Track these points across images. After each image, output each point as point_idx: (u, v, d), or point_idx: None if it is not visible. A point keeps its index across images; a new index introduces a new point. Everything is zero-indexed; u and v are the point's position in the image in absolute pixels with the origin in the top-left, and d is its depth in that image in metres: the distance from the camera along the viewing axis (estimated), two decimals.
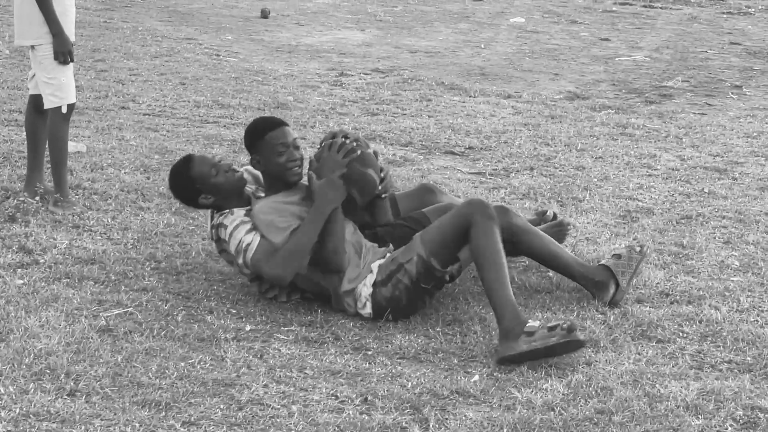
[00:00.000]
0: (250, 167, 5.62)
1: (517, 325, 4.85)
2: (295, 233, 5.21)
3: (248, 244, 5.22)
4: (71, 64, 6.55)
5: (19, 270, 5.62)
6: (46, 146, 6.71)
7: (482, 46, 13.14)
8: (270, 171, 5.41)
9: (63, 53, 6.46)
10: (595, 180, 7.75)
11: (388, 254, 5.36)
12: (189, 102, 9.47)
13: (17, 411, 4.14)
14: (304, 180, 5.45)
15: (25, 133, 6.99)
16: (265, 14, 14.52)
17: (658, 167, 8.18)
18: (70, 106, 6.59)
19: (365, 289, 5.24)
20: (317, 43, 13.32)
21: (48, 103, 6.57)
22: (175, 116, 9.01)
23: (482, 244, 5.08)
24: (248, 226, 5.26)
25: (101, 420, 4.16)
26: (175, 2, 14.92)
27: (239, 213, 5.32)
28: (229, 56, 11.61)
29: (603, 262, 5.57)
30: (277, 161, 5.34)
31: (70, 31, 6.55)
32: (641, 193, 7.49)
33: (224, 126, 8.75)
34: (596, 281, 5.45)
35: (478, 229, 5.10)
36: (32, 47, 6.53)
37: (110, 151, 7.81)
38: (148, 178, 7.26)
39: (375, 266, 5.30)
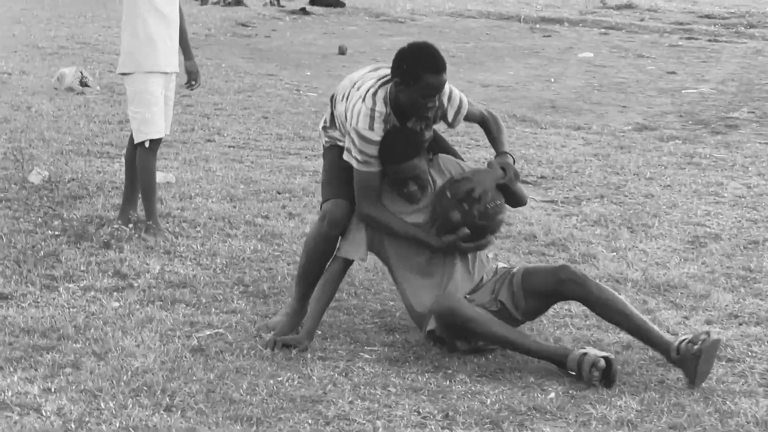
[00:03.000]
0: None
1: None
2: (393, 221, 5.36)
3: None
4: (160, 100, 6.76)
5: (115, 293, 5.82)
6: None
7: (552, 80, 13.20)
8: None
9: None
10: (664, 207, 7.86)
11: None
12: (271, 135, 9.64)
13: (117, 425, 4.28)
14: None
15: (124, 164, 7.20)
16: (342, 51, 14.71)
17: (725, 195, 8.28)
18: (155, 141, 6.80)
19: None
20: None
21: (136, 137, 6.81)
22: (259, 148, 9.19)
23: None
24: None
25: None
26: (256, 40, 15.13)
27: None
28: (308, 91, 11.76)
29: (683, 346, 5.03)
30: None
31: (170, 62, 6.81)
32: (709, 220, 7.60)
33: (305, 157, 8.92)
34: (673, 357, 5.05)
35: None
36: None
37: (198, 181, 8.03)
38: (234, 207, 7.45)
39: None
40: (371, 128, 5.22)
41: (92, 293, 5.81)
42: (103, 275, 6.07)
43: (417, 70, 5.14)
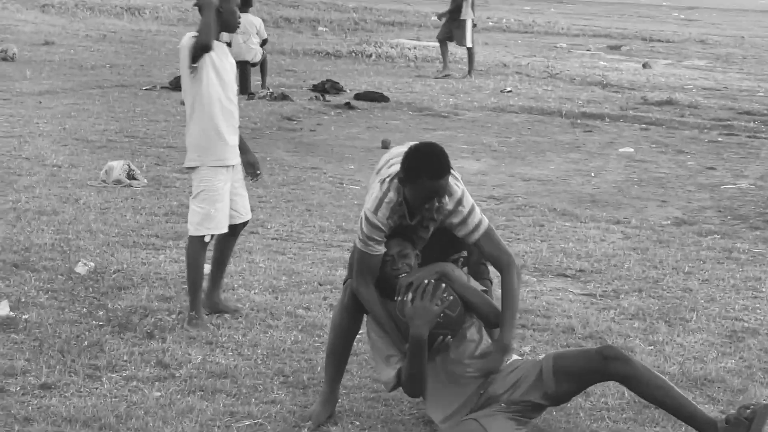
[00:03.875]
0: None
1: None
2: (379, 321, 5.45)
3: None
4: (226, 196, 6.88)
5: (157, 383, 5.94)
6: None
7: (592, 174, 13.24)
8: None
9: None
10: (702, 301, 7.87)
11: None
12: (314, 227, 9.74)
13: None
14: None
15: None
16: (386, 145, 14.73)
17: (764, 290, 8.27)
18: (213, 235, 6.95)
19: None
20: None
21: (191, 230, 6.92)
22: (301, 240, 9.30)
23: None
24: None
25: None
26: (301, 134, 15.30)
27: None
28: (351, 184, 11.84)
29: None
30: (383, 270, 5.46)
31: (234, 155, 6.96)
32: (747, 314, 7.60)
33: (347, 250, 8.77)
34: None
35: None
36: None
37: (240, 273, 8.13)
38: (276, 298, 7.55)
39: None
40: (375, 212, 5.33)
41: (134, 383, 5.93)
42: (146, 365, 6.20)
43: (415, 172, 5.24)
